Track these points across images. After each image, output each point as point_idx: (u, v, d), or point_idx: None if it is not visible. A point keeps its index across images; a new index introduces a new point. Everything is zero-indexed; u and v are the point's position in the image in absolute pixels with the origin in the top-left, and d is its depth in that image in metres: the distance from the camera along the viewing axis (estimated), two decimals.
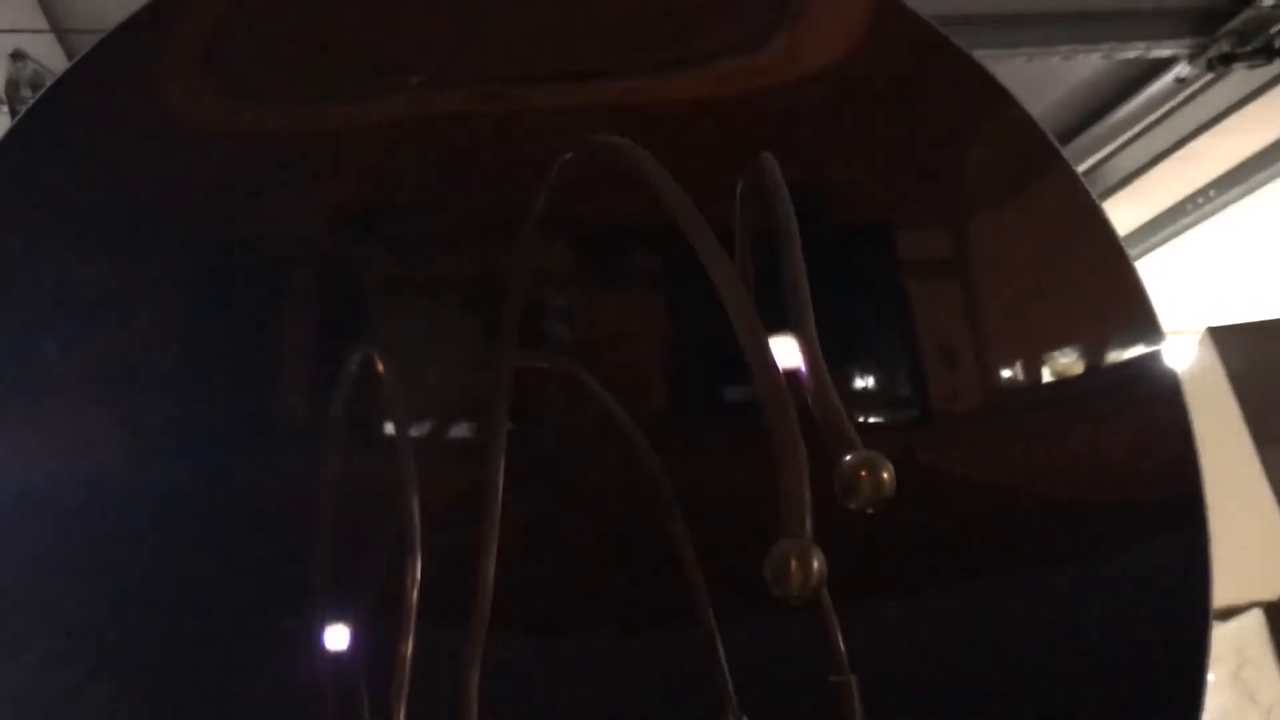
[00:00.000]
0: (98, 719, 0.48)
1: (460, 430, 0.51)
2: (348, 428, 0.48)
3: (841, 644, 0.46)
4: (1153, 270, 1.69)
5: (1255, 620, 1.02)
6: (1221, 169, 1.58)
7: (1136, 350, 0.54)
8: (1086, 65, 1.31)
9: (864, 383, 0.49)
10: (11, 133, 0.46)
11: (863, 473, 0.24)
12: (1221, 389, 1.04)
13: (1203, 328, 1.06)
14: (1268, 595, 1.00)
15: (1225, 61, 1.27)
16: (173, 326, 0.48)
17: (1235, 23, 1.24)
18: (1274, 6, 1.21)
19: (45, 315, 0.48)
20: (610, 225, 0.48)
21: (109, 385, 0.48)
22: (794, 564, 0.23)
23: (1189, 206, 1.63)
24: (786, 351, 0.27)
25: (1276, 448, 1.00)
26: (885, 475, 0.24)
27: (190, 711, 0.48)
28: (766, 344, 0.26)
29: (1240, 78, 1.34)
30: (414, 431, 0.49)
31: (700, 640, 0.46)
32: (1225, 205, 1.62)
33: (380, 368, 0.49)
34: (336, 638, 0.51)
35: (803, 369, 0.26)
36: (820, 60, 0.50)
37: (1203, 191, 1.63)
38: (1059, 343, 0.53)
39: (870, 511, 0.24)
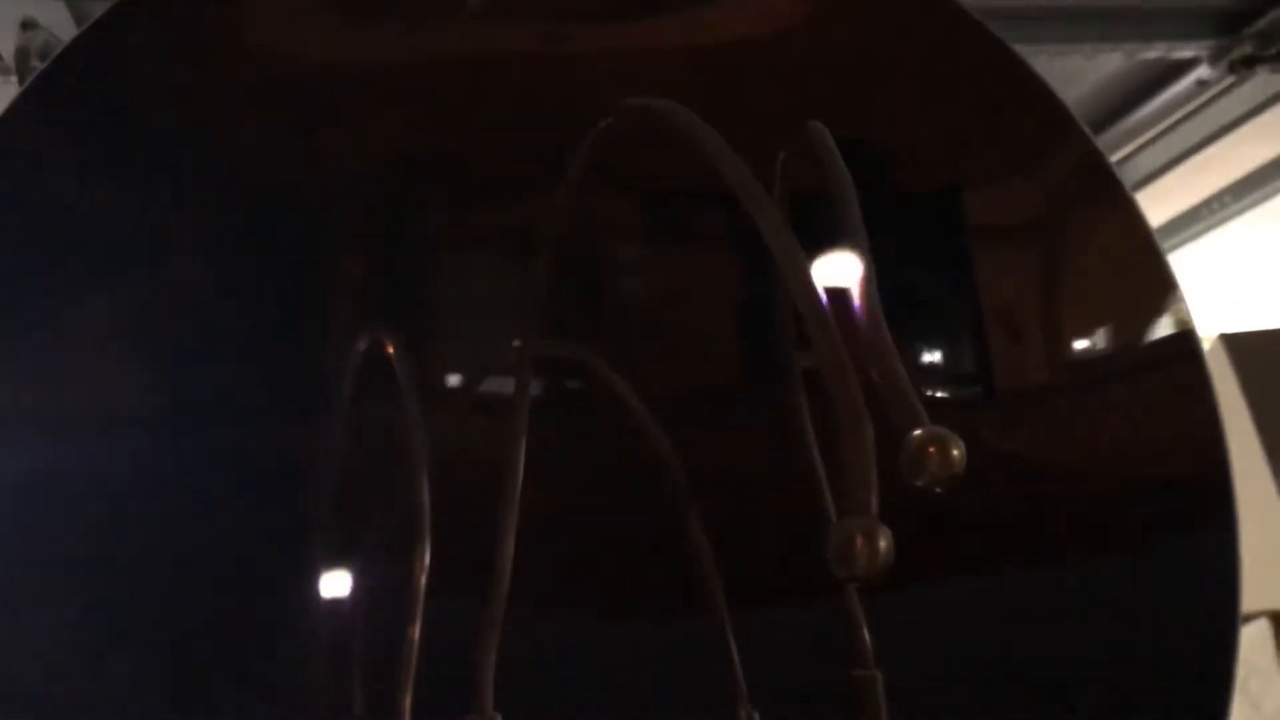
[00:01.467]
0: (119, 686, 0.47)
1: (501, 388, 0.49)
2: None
3: (867, 636, 0.45)
4: None
5: (1262, 630, 1.01)
6: (1237, 175, 1.57)
7: (1169, 341, 0.53)
8: (1108, 64, 1.30)
9: (927, 356, 0.48)
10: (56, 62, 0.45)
11: (931, 448, 0.23)
12: (1233, 395, 1.03)
13: (1215, 334, 1.05)
14: (1275, 604, 0.99)
15: (1248, 64, 1.25)
16: (207, 275, 0.47)
17: (1261, 23, 1.22)
18: None
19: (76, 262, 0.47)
20: (678, 180, 0.47)
21: (137, 338, 0.47)
22: (860, 542, 0.22)
23: (1204, 212, 1.62)
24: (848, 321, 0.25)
25: None
26: (955, 452, 0.23)
27: (212, 682, 0.47)
28: (827, 314, 0.25)
29: (1261, 82, 1.32)
30: (460, 390, 0.48)
31: (713, 630, 0.45)
32: (1240, 212, 1.60)
33: (390, 350, 0.48)
34: (344, 614, 0.50)
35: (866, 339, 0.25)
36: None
37: (1218, 197, 1.62)
38: (1094, 325, 0.53)
39: (938, 490, 0.23)
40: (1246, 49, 1.24)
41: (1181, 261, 1.71)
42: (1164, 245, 1.70)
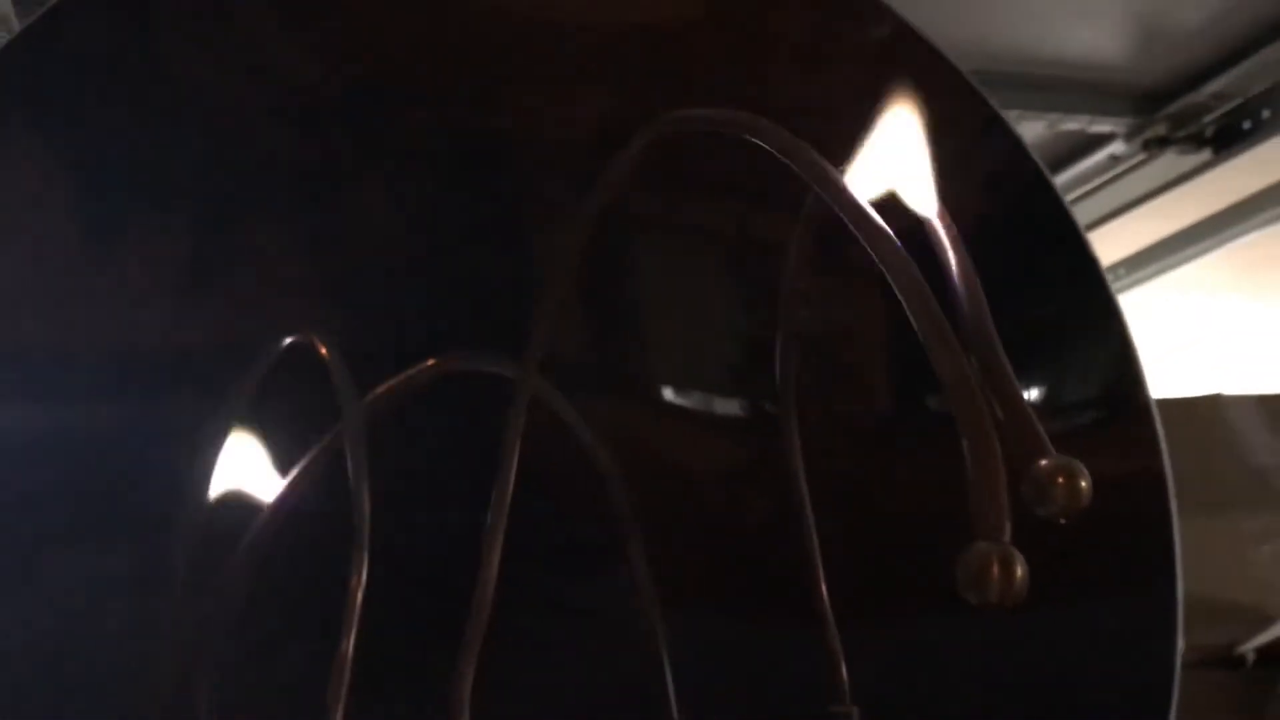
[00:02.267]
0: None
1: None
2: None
3: (844, 671, 0.45)
4: None
5: None
6: (1132, 249, 1.64)
7: (1116, 389, 0.54)
8: (1029, 133, 1.34)
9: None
10: None
11: (1060, 479, 0.23)
12: None
13: None
14: None
15: (1160, 144, 1.31)
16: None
17: (1174, 107, 1.28)
18: (1213, 96, 1.26)
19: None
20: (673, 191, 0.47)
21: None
22: (996, 567, 0.22)
23: None
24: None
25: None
26: (1084, 483, 0.23)
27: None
28: (955, 342, 0.24)
29: (1168, 162, 1.38)
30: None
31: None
32: (1133, 285, 1.67)
33: (324, 351, 0.47)
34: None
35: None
36: None
37: (1113, 269, 1.68)
38: (1038, 370, 0.54)
39: (1063, 521, 0.23)
40: (1160, 129, 1.30)
41: None
42: None
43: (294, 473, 0.44)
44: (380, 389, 0.44)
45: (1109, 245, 1.60)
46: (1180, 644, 0.51)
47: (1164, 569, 0.53)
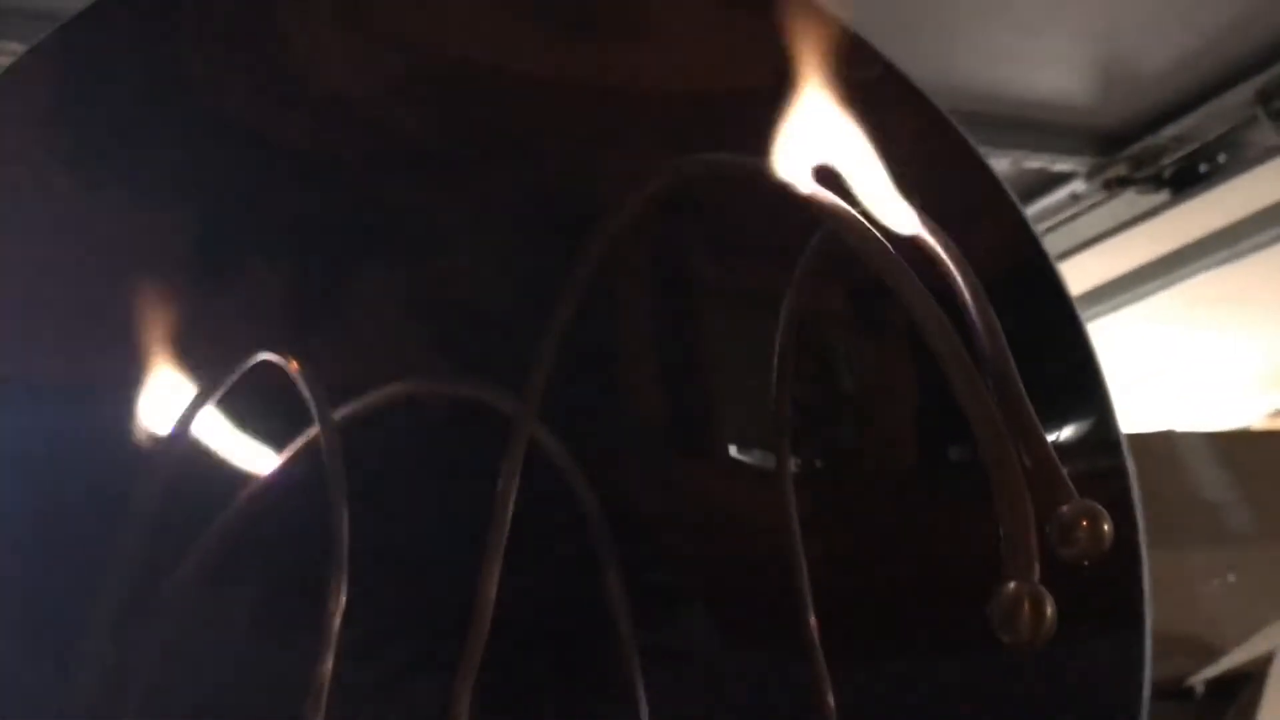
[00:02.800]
0: None
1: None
2: None
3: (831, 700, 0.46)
4: None
5: None
6: (1090, 285, 1.67)
7: (1088, 430, 0.55)
8: (994, 168, 1.37)
9: None
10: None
11: (1084, 521, 0.24)
12: None
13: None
14: None
15: (1121, 184, 1.34)
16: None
17: (1134, 149, 1.31)
18: (1172, 139, 1.29)
19: None
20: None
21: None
22: (1027, 607, 0.23)
23: None
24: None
25: None
26: (1106, 527, 0.24)
27: None
28: (982, 387, 0.26)
29: (1127, 202, 1.42)
30: None
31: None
32: (1091, 319, 1.70)
33: (295, 366, 0.47)
34: None
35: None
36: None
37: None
38: None
39: (1086, 563, 0.24)
40: (1121, 170, 1.33)
41: None
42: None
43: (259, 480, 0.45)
44: (347, 409, 0.45)
45: (1069, 280, 1.63)
46: (1148, 676, 0.52)
47: (1134, 602, 0.54)
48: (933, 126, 0.55)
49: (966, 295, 0.29)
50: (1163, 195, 1.37)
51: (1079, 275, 1.63)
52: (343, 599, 0.46)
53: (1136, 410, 1.86)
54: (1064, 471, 0.25)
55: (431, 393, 0.48)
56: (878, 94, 0.55)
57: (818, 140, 0.38)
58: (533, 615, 0.50)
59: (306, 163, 0.50)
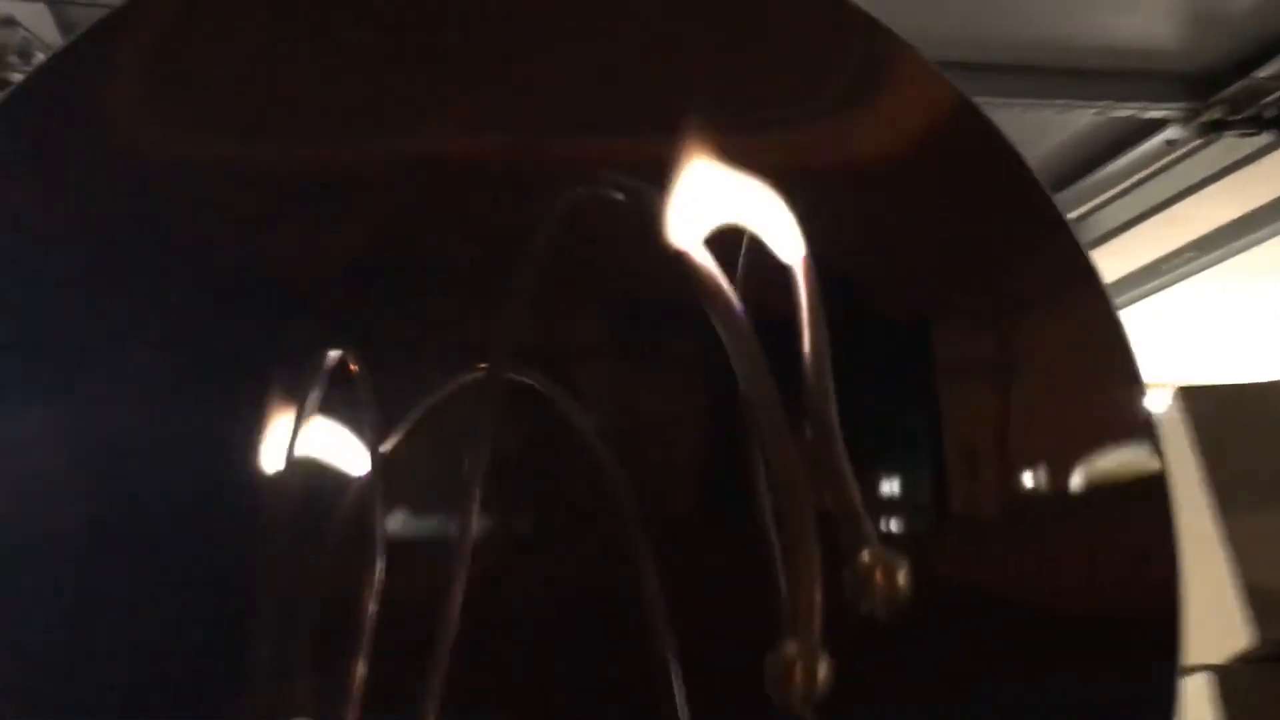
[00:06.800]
0: None
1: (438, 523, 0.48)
2: None
3: None
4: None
5: (1203, 684, 1.02)
6: (1201, 232, 1.60)
7: (1134, 469, 0.51)
8: (1081, 118, 1.31)
9: (888, 487, 0.47)
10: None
11: (877, 572, 0.23)
12: (1183, 448, 1.04)
13: (1171, 385, 1.06)
14: (1218, 658, 1.00)
15: (1217, 128, 1.27)
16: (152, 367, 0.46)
17: (1229, 91, 1.24)
18: (1269, 78, 1.21)
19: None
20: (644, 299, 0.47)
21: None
22: (798, 670, 0.22)
23: (1164, 266, 1.64)
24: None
25: (1238, 513, 1.00)
26: (900, 577, 0.23)
27: None
28: (786, 432, 0.24)
29: (1228, 145, 1.35)
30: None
31: None
32: (1203, 268, 1.63)
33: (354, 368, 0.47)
34: None
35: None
36: (881, 144, 0.48)
37: (1180, 253, 1.64)
38: (1066, 453, 0.51)
39: (881, 616, 0.23)
40: (1215, 114, 1.26)
41: (1139, 314, 1.73)
42: (1126, 295, 1.69)
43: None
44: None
45: (1174, 229, 1.55)
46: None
47: (1167, 659, 0.50)
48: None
49: (801, 293, 0.27)
50: (1264, 137, 1.30)
51: (1182, 225, 1.55)
52: (379, 585, 0.47)
53: (1245, 361, 1.77)
54: (865, 516, 0.24)
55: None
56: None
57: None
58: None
59: None
